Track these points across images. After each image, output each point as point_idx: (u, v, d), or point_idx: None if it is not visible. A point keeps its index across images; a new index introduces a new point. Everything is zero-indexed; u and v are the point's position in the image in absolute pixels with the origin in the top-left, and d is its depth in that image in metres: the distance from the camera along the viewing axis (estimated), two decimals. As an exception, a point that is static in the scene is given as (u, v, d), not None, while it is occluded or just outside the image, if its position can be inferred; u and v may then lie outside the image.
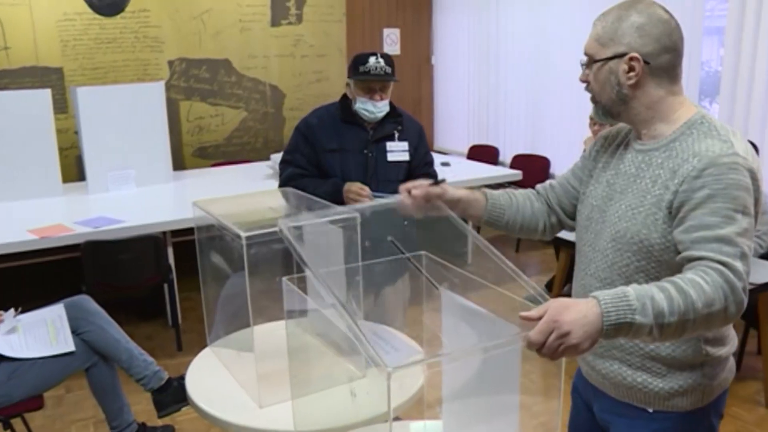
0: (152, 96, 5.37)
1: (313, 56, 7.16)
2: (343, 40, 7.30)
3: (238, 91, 6.82)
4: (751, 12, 4.62)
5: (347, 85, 3.05)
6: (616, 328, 1.34)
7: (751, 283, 3.63)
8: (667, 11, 1.63)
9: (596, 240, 1.73)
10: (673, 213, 1.54)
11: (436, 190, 1.87)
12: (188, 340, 4.53)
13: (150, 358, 3.16)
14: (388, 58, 2.99)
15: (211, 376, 2.19)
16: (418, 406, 1.96)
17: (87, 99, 5.05)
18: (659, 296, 1.35)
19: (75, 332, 2.99)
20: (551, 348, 1.30)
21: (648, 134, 1.66)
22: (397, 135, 3.08)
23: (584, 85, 1.72)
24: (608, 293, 1.36)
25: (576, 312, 1.32)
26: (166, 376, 3.16)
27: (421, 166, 3.15)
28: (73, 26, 5.96)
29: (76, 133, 5.43)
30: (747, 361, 4.15)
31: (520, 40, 6.77)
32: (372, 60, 2.93)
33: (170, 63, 6.46)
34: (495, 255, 1.49)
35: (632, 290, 1.36)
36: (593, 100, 1.70)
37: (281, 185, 3.05)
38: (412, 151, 3.10)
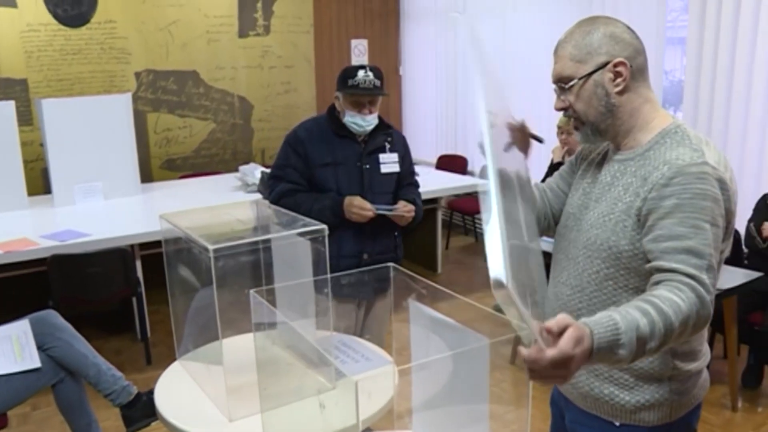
0: (119, 108, 5.32)
1: (281, 67, 7.15)
2: (311, 51, 7.31)
3: (206, 103, 6.79)
4: (711, 23, 4.71)
5: (336, 98, 3.02)
6: (598, 359, 1.33)
7: (716, 289, 3.67)
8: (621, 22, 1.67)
9: (569, 248, 1.74)
10: (642, 220, 1.55)
11: (532, 145, 1.83)
12: (158, 354, 4.49)
13: (118, 373, 3.12)
14: (377, 72, 2.95)
15: (181, 390, 2.17)
16: (389, 417, 1.96)
17: (52, 111, 5.00)
18: (643, 322, 1.34)
19: (41, 348, 2.94)
20: (545, 374, 1.26)
21: (627, 144, 1.67)
22: (388, 147, 3.08)
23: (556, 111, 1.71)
24: (603, 327, 1.32)
25: (583, 348, 1.27)
26: (135, 390, 3.12)
27: (407, 176, 3.19)
28: (38, 37, 5.89)
29: (42, 145, 5.37)
30: (714, 366, 4.20)
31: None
32: (361, 73, 2.89)
33: (137, 74, 6.41)
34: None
35: (621, 322, 1.33)
36: (578, 123, 1.68)
37: (273, 201, 2.95)
38: (401, 161, 3.13)
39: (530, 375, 1.27)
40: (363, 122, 2.95)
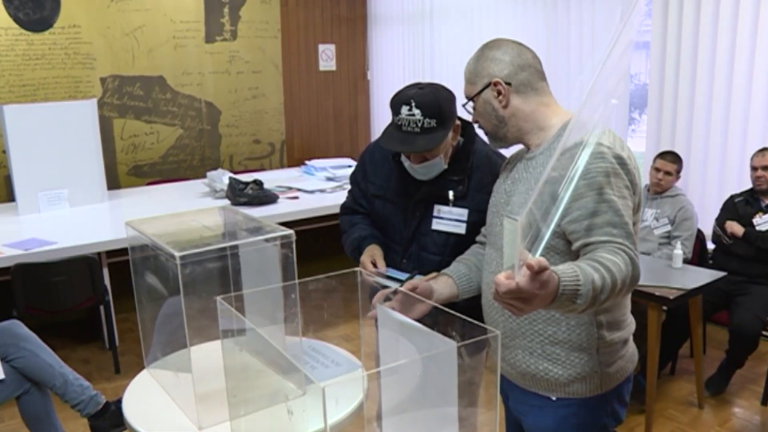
0: (84, 114, 5.26)
1: (248, 72, 7.12)
2: (279, 56, 7.29)
3: (173, 109, 6.74)
4: (673, 28, 4.80)
5: None
6: (558, 305, 1.46)
7: (680, 289, 3.75)
8: (516, 41, 1.89)
9: (496, 240, 1.91)
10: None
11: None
12: (127, 362, 4.44)
13: (86, 383, 3.09)
14: (429, 105, 2.09)
15: (149, 399, 2.15)
16: (359, 422, 1.96)
17: (15, 117, 4.91)
18: (596, 277, 1.49)
19: (5, 359, 2.90)
20: (504, 300, 1.38)
21: (534, 143, 1.88)
22: (452, 197, 2.25)
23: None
24: (568, 277, 1.45)
25: (547, 291, 1.39)
26: (103, 400, 3.09)
27: None
28: (-1, 42, 5.81)
29: (4, 152, 5.29)
30: (681, 364, 4.27)
31: (453, 54, 6.87)
32: (404, 111, 2.10)
33: (103, 80, 6.34)
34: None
35: (581, 275, 1.47)
36: (484, 132, 1.96)
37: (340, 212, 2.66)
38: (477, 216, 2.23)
39: (493, 295, 1.40)
40: (413, 172, 2.26)
